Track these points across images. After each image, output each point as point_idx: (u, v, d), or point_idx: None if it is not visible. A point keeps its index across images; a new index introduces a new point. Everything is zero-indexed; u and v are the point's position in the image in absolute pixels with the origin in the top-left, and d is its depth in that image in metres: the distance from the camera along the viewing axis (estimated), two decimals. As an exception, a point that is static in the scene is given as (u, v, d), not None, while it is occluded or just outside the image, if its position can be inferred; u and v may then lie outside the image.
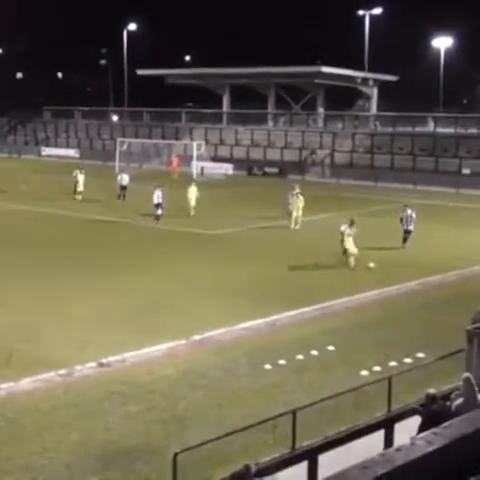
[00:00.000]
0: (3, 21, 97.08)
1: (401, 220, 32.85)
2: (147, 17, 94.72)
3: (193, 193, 40.64)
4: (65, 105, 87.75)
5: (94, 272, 27.35)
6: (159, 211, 38.11)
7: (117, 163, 67.11)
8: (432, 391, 12.05)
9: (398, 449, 6.58)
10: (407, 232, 32.57)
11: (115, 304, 23.10)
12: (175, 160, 65.71)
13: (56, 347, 19.12)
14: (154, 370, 17.80)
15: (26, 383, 16.71)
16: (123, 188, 45.53)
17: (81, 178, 46.47)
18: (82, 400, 15.92)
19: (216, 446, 12.00)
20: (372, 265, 27.32)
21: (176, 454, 10.79)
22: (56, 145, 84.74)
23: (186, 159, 67.04)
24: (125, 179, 45.88)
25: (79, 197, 46.13)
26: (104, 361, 18.18)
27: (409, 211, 32.58)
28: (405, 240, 32.53)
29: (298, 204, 37.50)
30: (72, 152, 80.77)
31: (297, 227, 37.32)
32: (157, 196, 38.39)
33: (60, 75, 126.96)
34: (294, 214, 37.31)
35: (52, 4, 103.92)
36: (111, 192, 46.84)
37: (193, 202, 40.54)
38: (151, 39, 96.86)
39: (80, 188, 46.27)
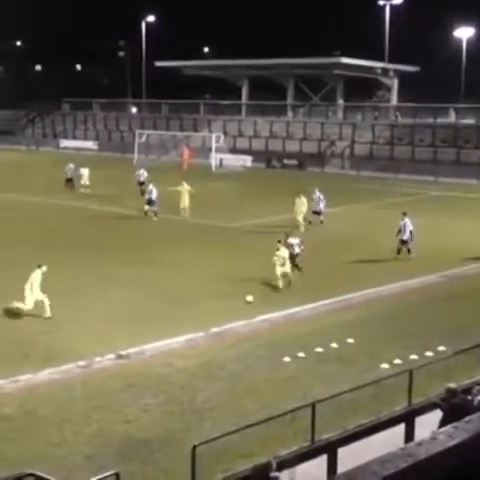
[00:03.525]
0: (22, 14, 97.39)
1: (399, 231, 29.25)
2: (165, 9, 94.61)
3: (186, 193, 38.12)
4: (83, 97, 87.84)
5: (113, 265, 27.34)
6: (151, 207, 37.36)
7: (136, 155, 67.16)
8: (452, 385, 11.92)
9: (419, 443, 6.44)
10: (402, 242, 29.17)
11: (134, 297, 23.09)
12: (186, 151, 65.49)
13: (75, 339, 19.12)
14: (173, 362, 17.76)
15: (45, 375, 16.74)
16: (141, 184, 44.55)
17: (85, 172, 46.38)
18: (101, 392, 15.91)
19: (235, 438, 11.93)
20: (250, 299, 22.63)
21: (195, 446, 10.74)
22: (74, 137, 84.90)
23: (204, 151, 66.93)
24: (143, 175, 45.43)
25: (87, 191, 45.88)
26: (123, 353, 18.17)
27: (406, 220, 29.40)
28: (399, 251, 29.09)
29: (301, 208, 34.93)
30: (90, 144, 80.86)
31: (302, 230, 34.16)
32: (150, 191, 37.78)
33: (79, 67, 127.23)
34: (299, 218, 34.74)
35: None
36: (129, 185, 46.80)
37: (187, 202, 37.98)
38: (169, 31, 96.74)
39: (85, 182, 46.10)
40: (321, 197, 35.76)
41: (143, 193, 41.04)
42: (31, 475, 9.87)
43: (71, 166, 47.09)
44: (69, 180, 46.49)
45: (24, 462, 12.22)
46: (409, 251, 29.17)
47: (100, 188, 46.64)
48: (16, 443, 13.65)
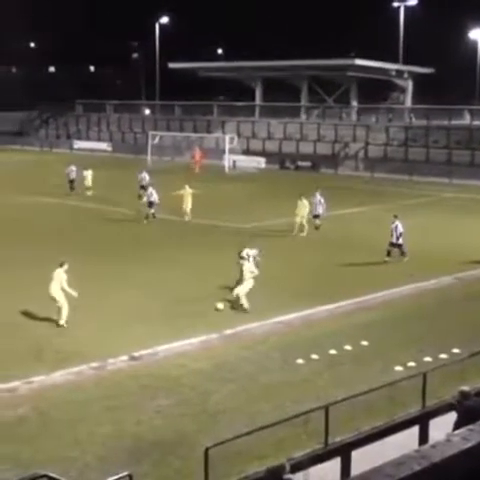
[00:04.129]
0: (36, 15, 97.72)
1: (391, 233, 28.89)
2: (179, 10, 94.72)
3: (189, 196, 37.46)
4: (97, 98, 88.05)
5: (126, 267, 27.37)
6: (152, 210, 36.90)
7: (149, 156, 67.26)
8: (466, 388, 11.84)
9: (434, 445, 6.41)
10: (392, 245, 28.75)
11: (147, 298, 23.09)
12: (197, 153, 65.31)
13: (88, 340, 19.13)
14: (186, 364, 17.73)
15: (58, 376, 16.75)
16: (143, 188, 42.95)
17: (89, 174, 46.17)
18: (114, 393, 15.91)
19: (248, 440, 11.89)
20: (220, 306, 21.93)
21: (208, 448, 10.70)
22: (88, 138, 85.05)
23: (218, 152, 66.93)
24: (145, 179, 44.39)
25: (90, 192, 45.51)
26: (136, 354, 18.16)
27: (397, 222, 28.92)
28: (389, 253, 28.74)
29: (302, 211, 34.14)
30: (104, 145, 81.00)
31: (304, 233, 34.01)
32: (150, 194, 37.38)
33: (92, 69, 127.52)
34: (298, 220, 34.05)
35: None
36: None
37: (189, 205, 37.33)
38: (183, 32, 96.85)
39: (88, 184, 45.84)
40: (321, 201, 34.97)
41: (141, 197, 40.24)
42: (44, 476, 9.86)
43: (73, 168, 46.84)
44: (71, 182, 46.23)
45: (37, 463, 12.23)
46: (403, 253, 28.81)
47: (108, 190, 46.51)
48: (29, 444, 13.66)
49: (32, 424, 14.49)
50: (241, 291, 22.00)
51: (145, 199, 37.95)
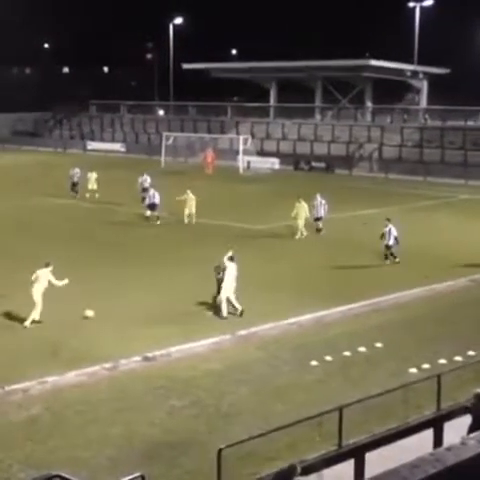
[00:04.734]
0: (50, 16, 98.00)
1: (383, 235, 28.74)
2: (193, 11, 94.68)
3: (192, 201, 36.88)
4: (111, 99, 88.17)
5: (138, 268, 27.37)
6: (152, 212, 36.69)
7: (163, 157, 67.30)
8: (480, 391, 11.73)
9: (448, 448, 6.34)
10: (387, 248, 28.62)
11: (161, 299, 23.07)
12: (210, 154, 65.08)
13: (101, 341, 19.13)
14: (199, 365, 17.70)
15: (71, 376, 16.76)
16: (144, 190, 41.13)
17: (93, 176, 45.68)
18: (126, 394, 15.90)
19: (261, 442, 11.83)
20: (90, 314, 21.14)
21: (221, 449, 10.65)
22: (102, 139, 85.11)
23: (232, 153, 66.88)
24: (147, 181, 43.35)
25: (94, 195, 44.84)
26: (149, 355, 18.14)
27: (390, 226, 28.68)
28: (386, 257, 28.63)
29: (301, 213, 33.66)
30: (118, 146, 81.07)
31: (303, 236, 33.66)
32: (153, 195, 37.14)
33: (106, 69, 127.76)
34: (300, 223, 33.61)
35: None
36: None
37: (193, 209, 36.80)
38: (197, 33, 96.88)
39: (93, 186, 45.25)
40: (323, 202, 34.43)
41: (144, 200, 39.25)
42: (57, 476, 9.83)
43: (77, 170, 46.50)
44: (75, 184, 45.81)
45: (50, 463, 12.23)
46: (393, 255, 28.57)
47: (118, 191, 46.16)
48: (42, 444, 13.68)
49: (45, 424, 14.51)
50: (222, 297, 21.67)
51: (147, 201, 37.50)
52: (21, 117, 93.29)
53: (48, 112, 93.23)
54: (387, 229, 28.66)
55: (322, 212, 34.50)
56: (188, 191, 37.04)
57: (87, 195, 44.91)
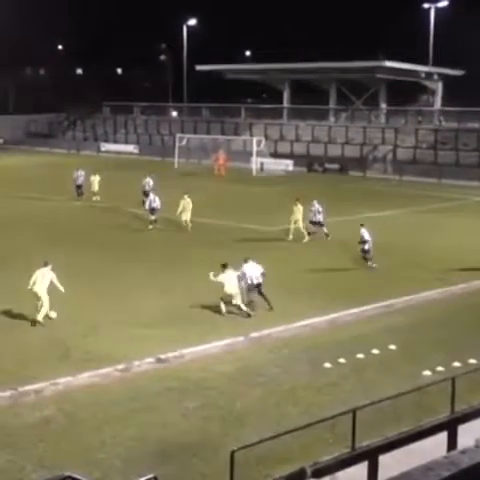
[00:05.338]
0: (63, 17, 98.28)
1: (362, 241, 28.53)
2: (207, 12, 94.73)
3: (188, 205, 35.50)
4: (124, 101, 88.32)
5: (153, 269, 27.39)
6: (151, 216, 35.90)
7: (176, 159, 67.37)
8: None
9: (463, 451, 6.31)
10: (363, 251, 28.41)
11: (173, 300, 23.06)
12: (221, 156, 64.90)
13: (115, 342, 19.13)
14: (212, 367, 17.68)
15: (84, 378, 16.76)
16: (146, 194, 40.00)
17: (96, 179, 45.44)
18: (140, 395, 15.89)
19: (274, 444, 11.79)
20: (53, 315, 20.90)
21: (233, 451, 10.61)
22: (115, 141, 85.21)
23: (245, 155, 66.85)
24: (149, 184, 42.80)
25: (97, 198, 44.61)
26: (162, 357, 18.13)
27: (363, 230, 28.52)
28: (366, 259, 28.44)
29: (298, 216, 33.54)
30: (131, 148, 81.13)
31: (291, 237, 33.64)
32: (153, 200, 36.27)
33: (120, 71, 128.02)
34: (299, 226, 33.56)
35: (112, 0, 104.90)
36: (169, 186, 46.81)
37: (189, 215, 35.42)
38: (211, 34, 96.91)
39: (95, 189, 44.90)
40: (320, 209, 33.89)
41: (144, 203, 38.11)
42: (69, 477, 9.85)
43: (81, 173, 46.16)
44: (79, 187, 45.57)
45: (63, 464, 12.22)
46: (366, 259, 28.29)
47: (126, 193, 45.72)
48: (55, 445, 13.69)
49: (58, 425, 14.52)
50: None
51: (147, 205, 36.71)
52: (35, 118, 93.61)
53: (62, 113, 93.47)
54: (361, 234, 28.46)
55: (320, 217, 33.90)
56: (185, 196, 35.74)
57: (94, 198, 44.63)
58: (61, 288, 20.89)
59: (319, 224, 33.99)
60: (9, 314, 21.32)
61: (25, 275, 21.14)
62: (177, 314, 21.58)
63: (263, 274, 22.54)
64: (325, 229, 34.01)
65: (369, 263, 28.27)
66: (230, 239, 33.11)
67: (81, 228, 36.16)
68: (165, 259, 29.12)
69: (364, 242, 28.32)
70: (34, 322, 20.47)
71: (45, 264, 21.10)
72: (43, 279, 20.71)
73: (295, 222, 33.60)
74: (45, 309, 20.60)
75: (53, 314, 20.92)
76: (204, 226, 36.30)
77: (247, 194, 49.65)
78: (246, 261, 22.69)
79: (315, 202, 34.48)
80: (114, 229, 35.91)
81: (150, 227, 35.64)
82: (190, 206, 35.51)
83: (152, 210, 36.14)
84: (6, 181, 52.94)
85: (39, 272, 20.84)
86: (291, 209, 33.71)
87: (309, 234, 33.63)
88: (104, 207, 42.27)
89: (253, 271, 22.41)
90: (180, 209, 35.36)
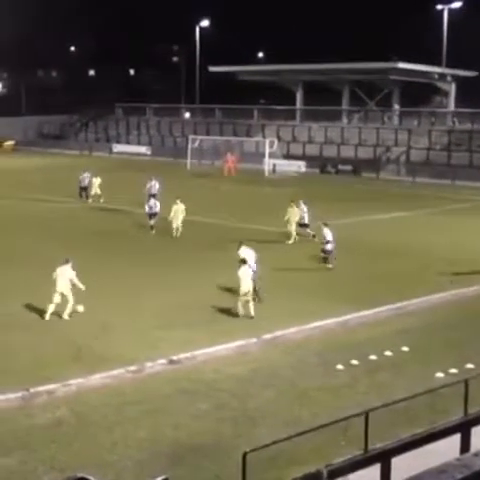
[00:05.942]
0: (75, 19, 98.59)
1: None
2: (220, 13, 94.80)
3: (179, 212, 34.34)
4: (137, 102, 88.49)
5: (165, 270, 27.40)
6: (150, 220, 35.19)
7: (188, 160, 67.41)
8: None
9: (476, 454, 6.25)
10: (323, 251, 28.58)
11: (186, 302, 23.03)
12: (230, 158, 64.85)
13: (127, 344, 19.14)
14: (224, 368, 17.66)
15: (96, 379, 16.76)
16: (152, 196, 38.68)
17: (97, 181, 45.07)
18: (152, 397, 15.88)
19: (287, 446, 11.74)
20: (80, 309, 21.21)
21: (246, 453, 10.58)
22: (127, 142, 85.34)
23: (258, 156, 66.81)
24: (154, 187, 41.76)
25: (100, 200, 44.39)
26: (174, 358, 18.11)
27: (325, 230, 28.55)
28: (325, 260, 28.43)
29: (293, 218, 33.29)
30: (143, 149, 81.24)
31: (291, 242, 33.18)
32: (154, 205, 35.58)
33: (132, 72, 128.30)
34: (291, 227, 33.29)
35: (124, 1, 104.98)
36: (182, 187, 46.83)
37: (179, 221, 34.25)
38: (223, 35, 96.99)
39: (96, 191, 44.75)
40: (305, 210, 33.70)
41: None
42: (81, 479, 9.84)
43: (86, 175, 45.93)
44: (83, 189, 45.39)
45: (75, 466, 12.24)
46: (326, 260, 28.28)
47: (134, 195, 44.87)
48: (67, 447, 13.69)
49: (70, 427, 14.52)
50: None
51: (147, 210, 35.79)
52: (47, 120, 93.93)
53: (74, 115, 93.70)
54: (323, 234, 28.44)
55: (305, 219, 33.72)
56: (177, 201, 34.65)
57: (101, 200, 44.38)
58: (81, 286, 21.09)
59: (305, 225, 33.84)
60: (21, 315, 21.36)
61: (35, 275, 21.20)
62: (189, 315, 21.56)
63: (256, 262, 22.78)
64: (308, 230, 33.62)
65: (328, 265, 28.10)
66: (239, 239, 33.03)
67: (85, 230, 35.94)
68: (176, 261, 29.10)
69: (327, 242, 28.30)
70: (61, 318, 20.83)
71: (66, 261, 21.23)
72: (63, 276, 20.89)
73: (288, 222, 33.28)
74: (70, 305, 20.84)
75: (80, 308, 21.16)
76: (211, 227, 36.19)
77: (257, 195, 49.61)
78: (239, 247, 23.28)
79: (301, 202, 34.30)
80: (119, 232, 35.74)
81: (153, 232, 35.07)
82: (183, 211, 34.41)
83: (152, 215, 35.42)
84: (16, 182, 53.11)
85: (59, 270, 21.00)
86: (286, 210, 33.48)
87: (313, 237, 33.13)
88: (109, 209, 42.15)
89: (250, 258, 22.70)
90: (172, 214, 34.33)
